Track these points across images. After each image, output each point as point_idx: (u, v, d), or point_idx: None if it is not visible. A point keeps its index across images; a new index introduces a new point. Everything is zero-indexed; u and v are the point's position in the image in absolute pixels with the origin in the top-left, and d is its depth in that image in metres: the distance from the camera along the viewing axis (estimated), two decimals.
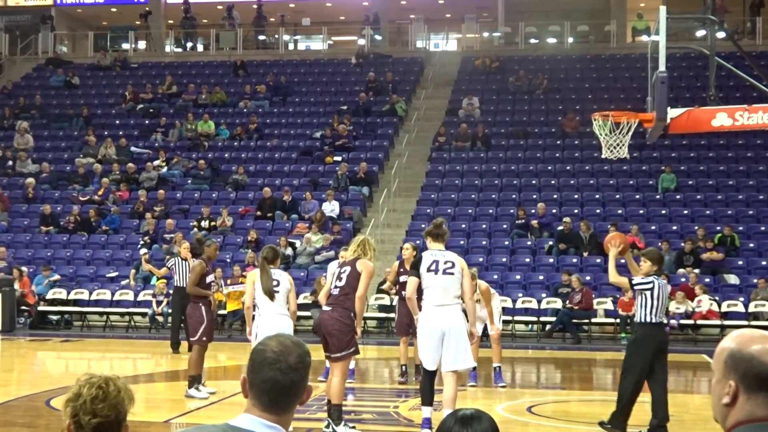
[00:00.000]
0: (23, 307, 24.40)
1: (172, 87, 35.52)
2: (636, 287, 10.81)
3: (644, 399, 15.00)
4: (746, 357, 2.63)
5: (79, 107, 34.75)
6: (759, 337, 2.68)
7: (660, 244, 24.49)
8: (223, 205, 27.95)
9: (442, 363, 10.31)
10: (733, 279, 23.77)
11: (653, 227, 25.90)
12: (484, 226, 26.61)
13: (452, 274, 10.26)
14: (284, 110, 34.13)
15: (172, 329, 19.65)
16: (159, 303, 23.38)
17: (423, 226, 26.34)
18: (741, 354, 2.64)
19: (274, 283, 11.60)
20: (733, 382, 2.63)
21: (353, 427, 10.80)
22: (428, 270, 10.28)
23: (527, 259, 25.20)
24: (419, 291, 10.52)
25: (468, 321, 10.79)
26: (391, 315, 21.98)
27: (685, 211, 26.56)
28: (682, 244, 24.23)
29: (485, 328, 14.67)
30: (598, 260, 24.73)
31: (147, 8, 41.45)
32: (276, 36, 40.69)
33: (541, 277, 24.33)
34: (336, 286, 10.78)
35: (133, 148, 31.79)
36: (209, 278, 13.52)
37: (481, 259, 24.79)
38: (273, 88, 35.04)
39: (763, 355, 2.62)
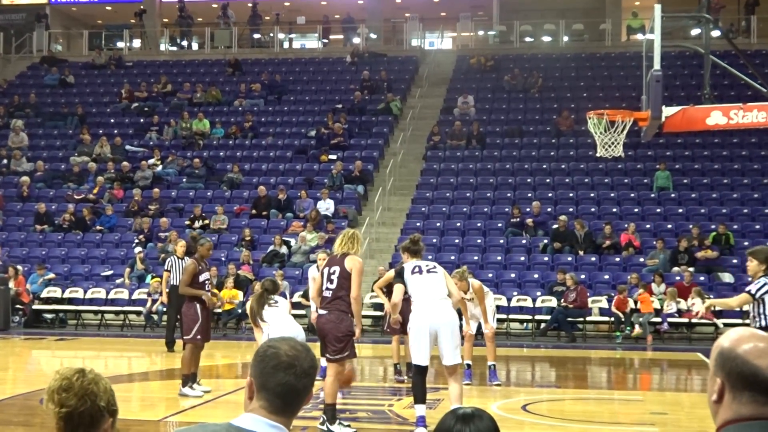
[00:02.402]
0: (18, 306, 24.37)
1: (167, 86, 35.51)
2: (757, 294, 10.08)
3: (634, 397, 15.05)
4: (732, 356, 2.64)
5: (73, 106, 34.73)
6: (751, 337, 2.67)
7: (655, 242, 24.55)
8: (218, 203, 27.93)
9: (441, 358, 10.42)
10: (727, 277, 23.78)
11: (648, 226, 25.93)
12: (479, 224, 26.62)
13: (436, 272, 10.59)
14: (279, 109, 34.12)
15: (168, 328, 19.64)
16: (154, 301, 23.36)
17: (418, 224, 26.46)
18: (729, 353, 2.65)
19: (272, 301, 11.83)
20: (719, 379, 2.65)
21: (348, 426, 10.81)
22: (413, 273, 10.57)
23: (522, 258, 25.22)
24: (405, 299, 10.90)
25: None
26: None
27: (680, 210, 26.59)
28: (677, 243, 24.26)
29: (479, 327, 14.68)
30: (593, 258, 24.78)
31: (142, 7, 41.43)
32: (271, 34, 40.69)
33: (536, 276, 24.35)
34: (327, 288, 10.77)
35: (128, 147, 31.77)
36: (202, 277, 13.45)
37: (476, 258, 24.82)
38: (268, 86, 35.04)
39: (749, 355, 2.62)
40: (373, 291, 23.08)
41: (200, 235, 15.75)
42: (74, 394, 3.24)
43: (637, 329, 21.88)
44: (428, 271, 10.55)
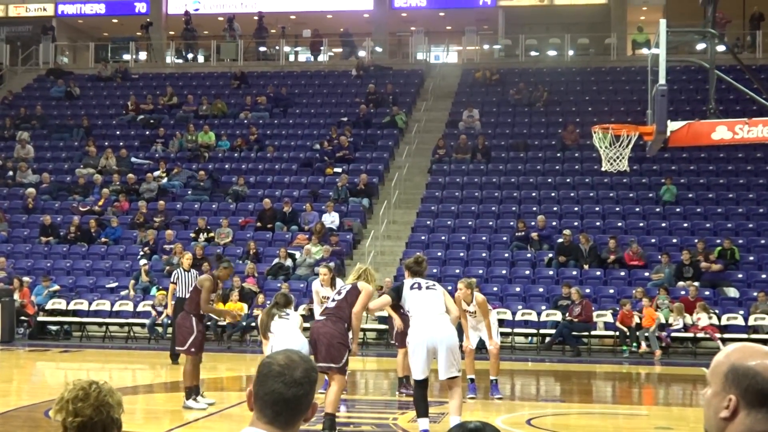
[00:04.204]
0: (23, 318, 24.37)
1: (173, 98, 35.57)
2: None
3: (639, 411, 15.02)
4: (750, 373, 2.61)
5: (79, 118, 34.79)
6: (760, 352, 2.66)
7: (660, 256, 24.52)
8: (223, 216, 27.94)
9: (439, 372, 10.53)
10: (732, 292, 23.75)
11: (653, 240, 25.90)
12: (484, 238, 26.61)
13: (435, 289, 10.75)
14: (285, 122, 34.16)
15: (173, 340, 19.58)
16: (159, 314, 23.33)
17: (423, 238, 26.47)
18: (744, 369, 2.62)
19: (283, 313, 12.00)
20: (733, 396, 2.62)
21: None
22: (411, 288, 10.71)
23: (527, 272, 25.18)
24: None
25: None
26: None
27: (685, 224, 26.55)
28: (682, 257, 24.23)
29: (481, 341, 14.68)
30: (598, 273, 24.74)
31: (148, 19, 41.48)
32: (277, 47, 40.76)
33: (540, 290, 24.31)
34: (333, 299, 11.16)
35: (133, 159, 31.81)
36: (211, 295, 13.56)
37: (480, 271, 24.78)
38: (273, 99, 35.08)
39: (767, 372, 2.61)
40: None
41: (225, 258, 15.73)
42: (90, 404, 3.26)
43: (644, 347, 21.80)
44: (427, 288, 10.70)
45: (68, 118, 35.19)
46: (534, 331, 23.39)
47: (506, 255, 25.80)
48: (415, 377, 10.54)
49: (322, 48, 40.50)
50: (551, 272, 24.97)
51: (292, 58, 41.96)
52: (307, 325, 14.44)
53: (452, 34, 42.59)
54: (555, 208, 27.63)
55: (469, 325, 14.20)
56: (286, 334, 11.76)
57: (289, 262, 25.45)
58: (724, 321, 22.44)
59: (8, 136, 33.95)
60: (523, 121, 33.18)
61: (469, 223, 27.42)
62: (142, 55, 42.25)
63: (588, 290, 23.76)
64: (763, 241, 25.55)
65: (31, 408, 13.52)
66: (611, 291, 24.10)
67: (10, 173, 31.49)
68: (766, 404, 2.59)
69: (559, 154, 30.56)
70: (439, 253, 25.65)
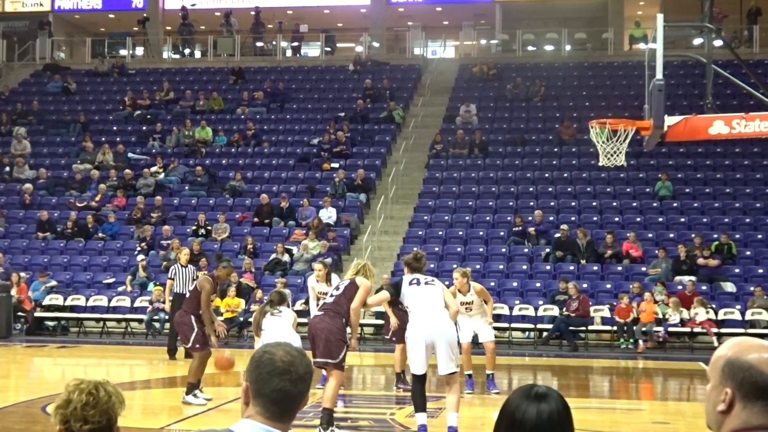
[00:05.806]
0: (20, 313, 24.36)
1: (170, 93, 35.54)
2: None
3: (636, 406, 15.03)
4: (744, 366, 2.63)
5: (76, 113, 34.76)
6: (757, 346, 2.68)
7: (657, 251, 24.53)
8: (220, 211, 27.93)
9: (438, 367, 10.53)
10: (729, 287, 23.77)
11: (650, 235, 25.91)
12: (481, 233, 26.62)
13: (434, 284, 10.73)
14: (282, 117, 34.14)
15: (170, 335, 19.62)
16: (156, 309, 23.31)
17: (420, 233, 26.46)
18: (739, 362, 2.64)
19: (276, 311, 12.04)
20: (729, 389, 2.63)
21: None
22: (410, 284, 10.70)
23: (524, 266, 25.21)
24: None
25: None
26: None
27: (682, 219, 26.57)
28: (678, 252, 24.25)
29: (476, 337, 14.73)
30: (595, 267, 24.76)
31: (145, 15, 41.49)
32: (274, 43, 40.73)
33: (538, 285, 24.32)
34: (332, 295, 11.16)
35: (130, 155, 31.78)
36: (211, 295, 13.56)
37: (478, 266, 24.78)
38: (270, 94, 35.06)
39: (762, 365, 2.62)
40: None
41: (225, 258, 15.67)
42: (100, 410, 3.28)
43: (641, 345, 21.83)
44: (426, 284, 10.69)
45: (65, 113, 35.16)
46: (531, 325, 23.41)
47: (503, 250, 25.82)
48: (413, 372, 10.54)
49: (318, 43, 40.47)
50: (548, 267, 24.99)
51: (289, 53, 41.91)
52: (302, 320, 14.45)
53: (449, 29, 42.57)
54: (552, 203, 27.64)
55: (461, 318, 14.19)
56: (277, 332, 11.76)
57: (286, 258, 25.45)
58: (721, 316, 22.45)
59: (5, 132, 33.93)
60: (520, 116, 33.18)
61: (467, 218, 27.42)
62: (139, 51, 42.22)
63: (585, 285, 23.77)
64: (760, 236, 25.57)
65: (28, 404, 13.52)
66: (608, 286, 24.12)
67: (7, 169, 31.46)
68: (761, 397, 2.60)
69: (556, 149, 30.57)
70: (437, 248, 25.65)
